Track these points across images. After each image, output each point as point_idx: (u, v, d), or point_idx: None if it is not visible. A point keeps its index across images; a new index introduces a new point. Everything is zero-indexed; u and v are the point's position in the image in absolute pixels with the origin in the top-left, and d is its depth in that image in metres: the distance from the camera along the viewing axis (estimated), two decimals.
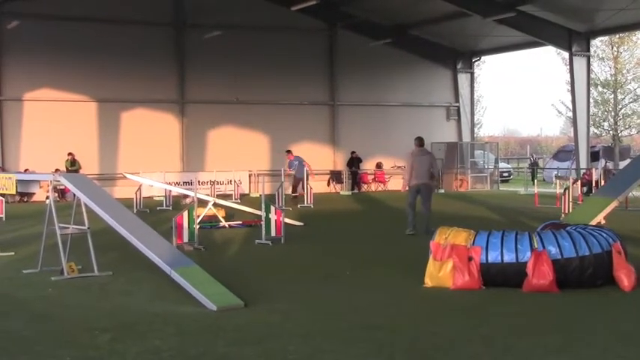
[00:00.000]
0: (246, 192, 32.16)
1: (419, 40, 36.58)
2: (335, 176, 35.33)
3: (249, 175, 33.59)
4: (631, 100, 44.47)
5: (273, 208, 15.58)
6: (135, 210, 22.55)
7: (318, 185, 30.52)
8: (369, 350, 7.11)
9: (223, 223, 18.38)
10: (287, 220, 16.72)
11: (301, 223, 19.05)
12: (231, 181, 31.30)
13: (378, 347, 7.19)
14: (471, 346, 7.27)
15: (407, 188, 17.11)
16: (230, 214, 19.82)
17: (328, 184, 34.90)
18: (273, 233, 15.36)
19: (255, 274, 11.73)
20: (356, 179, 35.52)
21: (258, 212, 16.82)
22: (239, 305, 9.08)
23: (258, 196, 20.05)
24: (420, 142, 17.54)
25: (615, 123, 43.98)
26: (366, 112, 36.49)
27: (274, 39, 34.14)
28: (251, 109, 34.08)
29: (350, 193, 33.96)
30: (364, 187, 35.75)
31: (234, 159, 32.90)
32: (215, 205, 18.50)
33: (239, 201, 25.97)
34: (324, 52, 35.84)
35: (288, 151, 29.00)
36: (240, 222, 18.96)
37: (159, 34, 32.71)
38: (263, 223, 15.35)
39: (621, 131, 44.59)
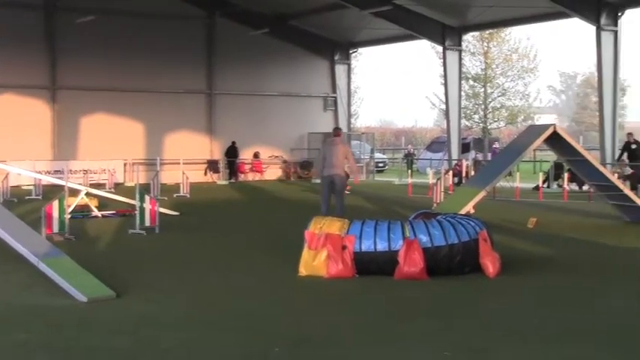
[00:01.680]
0: (121, 181, 31.54)
1: (298, 30, 36.72)
2: (212, 165, 35.09)
3: (124, 164, 32.93)
4: (499, 94, 46.01)
5: (147, 198, 15.37)
6: (1, 199, 21.84)
7: (194, 175, 30.24)
8: (243, 338, 7.13)
9: (96, 212, 17.99)
10: (162, 210, 16.51)
11: (176, 213, 18.86)
12: (105, 170, 30.64)
13: (252, 335, 7.23)
14: (345, 332, 7.39)
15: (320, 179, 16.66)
16: (103, 203, 19.41)
17: (205, 174, 34.63)
18: (147, 223, 15.15)
19: (129, 265, 11.53)
20: (233, 169, 35.40)
21: (132, 202, 16.54)
22: (111, 296, 8.92)
23: (134, 185, 19.71)
24: (335, 132, 16.97)
25: (485, 116, 45.41)
26: (244, 102, 36.36)
27: (151, 26, 33.53)
28: (126, 97, 33.37)
29: (227, 182, 33.82)
30: (241, 177, 35.68)
31: (109, 147, 32.20)
32: (88, 194, 18.07)
33: (113, 190, 25.45)
34: (202, 40, 35.47)
35: None
36: (114, 211, 18.60)
37: (28, 17, 31.55)
38: (137, 212, 15.12)
39: (490, 124, 46.06)
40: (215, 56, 35.50)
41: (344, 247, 10.21)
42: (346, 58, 39.40)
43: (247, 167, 36.27)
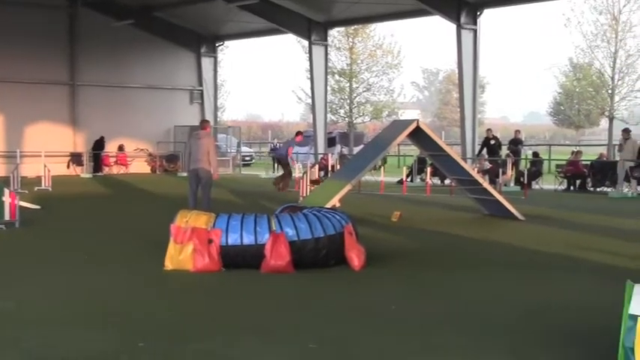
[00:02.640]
0: None
1: (163, 22, 36.21)
2: (75, 158, 34.15)
3: None
4: (365, 89, 46.78)
5: (6, 191, 14.84)
6: None
7: (57, 168, 29.34)
8: (108, 334, 6.99)
9: None
10: (22, 203, 15.97)
11: (38, 207, 18.29)
12: None
13: (116, 331, 7.10)
14: (211, 326, 7.36)
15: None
16: None
17: (68, 167, 33.68)
18: (7, 217, 14.63)
19: None
20: (98, 162, 34.57)
21: None
22: None
23: None
24: (202, 125, 16.70)
25: (350, 110, 46.05)
26: (109, 94, 35.59)
27: (9, 13, 32.22)
28: None
29: (91, 175, 32.99)
30: (106, 170, 34.90)
31: None
32: None
33: None
34: (64, 30, 34.44)
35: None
36: None
37: None
38: None
39: (356, 118, 46.77)
40: (78, 47, 34.55)
41: (210, 241, 10.18)
42: (212, 51, 39.17)
43: (112, 160, 35.51)
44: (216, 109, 40.84)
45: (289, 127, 78.68)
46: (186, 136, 36.94)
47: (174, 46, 37.68)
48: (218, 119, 41.99)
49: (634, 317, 5.16)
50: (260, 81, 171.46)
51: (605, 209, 19.46)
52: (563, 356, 6.38)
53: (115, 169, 35.28)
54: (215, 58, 39.66)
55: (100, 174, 33.78)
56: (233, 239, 10.22)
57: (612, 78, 39.30)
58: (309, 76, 37.27)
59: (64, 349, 6.54)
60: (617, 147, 27.82)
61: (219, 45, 40.20)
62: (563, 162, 28.70)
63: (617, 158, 26.10)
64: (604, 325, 7.07)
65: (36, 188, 24.28)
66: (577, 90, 51.92)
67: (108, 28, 34.53)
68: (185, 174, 34.41)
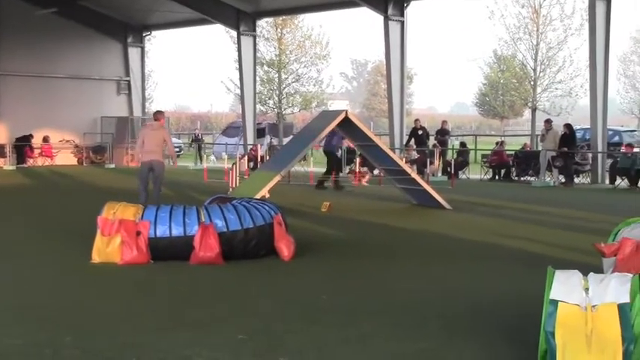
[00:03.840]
0: None
1: (89, 11, 35.58)
2: None
3: None
4: (293, 79, 46.82)
5: None
6: None
7: None
8: (32, 329, 6.89)
9: None
10: None
11: None
12: None
13: (41, 325, 7.00)
14: (139, 319, 7.31)
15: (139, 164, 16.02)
16: None
17: None
18: None
19: None
20: (22, 153, 33.85)
21: None
22: None
23: None
24: (155, 116, 16.27)
25: (280, 101, 46.06)
26: (33, 84, 34.89)
27: None
28: None
29: (15, 167, 32.30)
30: (30, 162, 34.20)
31: None
32: None
33: None
34: None
35: None
36: None
37: None
38: None
39: (285, 109, 46.80)
40: (1, 35, 33.71)
41: (138, 233, 10.09)
42: (140, 41, 38.71)
43: (36, 152, 34.83)
44: (144, 99, 40.40)
45: (218, 118, 78.22)
46: (113, 127, 36.57)
47: (101, 35, 37.10)
48: (146, 110, 41.52)
49: (554, 302, 5.32)
50: (189, 72, 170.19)
51: (528, 198, 19.92)
52: (487, 340, 6.54)
53: (40, 161, 34.61)
54: (142, 48, 39.20)
55: (24, 165, 33.11)
56: (161, 231, 10.14)
57: (534, 70, 40.16)
58: (237, 66, 37.14)
59: None
60: (539, 137, 28.46)
61: (147, 35, 39.73)
62: (489, 152, 29.24)
63: (540, 148, 26.71)
64: (526, 310, 7.26)
65: None
66: (501, 81, 52.88)
67: (31, 17, 33.78)
68: (112, 165, 34.32)
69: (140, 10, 35.83)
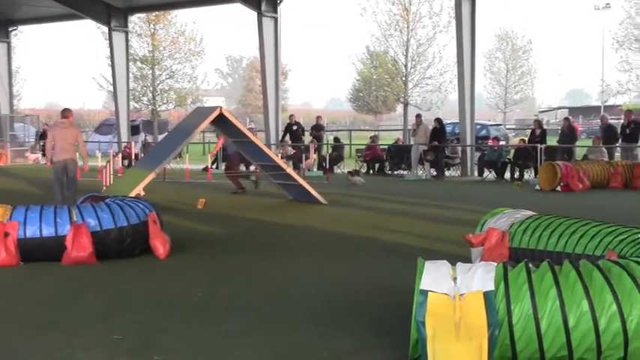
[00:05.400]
0: None
1: None
2: None
3: None
4: (168, 76, 46.18)
5: None
6: None
7: None
8: None
9: None
10: None
11: None
12: None
13: None
14: (7, 323, 7.13)
15: (50, 164, 15.42)
16: None
17: None
18: None
19: None
20: None
21: None
22: None
23: None
24: (64, 113, 15.64)
25: (154, 98, 45.32)
26: None
27: None
28: None
29: None
30: None
31: None
32: None
33: None
34: None
35: None
36: None
37: None
38: None
39: (160, 106, 46.11)
40: None
41: (6, 234, 9.80)
42: (5, 37, 37.45)
43: None
44: (11, 96, 39.07)
45: (91, 115, 76.47)
46: None
47: None
48: (14, 107, 40.19)
49: (424, 292, 5.49)
50: (59, 68, 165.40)
51: (401, 191, 20.39)
52: (360, 331, 6.69)
53: None
54: (9, 43, 37.91)
55: None
56: (32, 231, 9.90)
57: (405, 66, 41.05)
58: (110, 63, 36.39)
59: None
60: (411, 132, 29.16)
61: (13, 30, 38.44)
62: (363, 147, 29.73)
63: (412, 142, 27.36)
64: (399, 300, 7.47)
65: None
66: (374, 77, 53.78)
67: None
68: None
69: (5, 4, 34.59)
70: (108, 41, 35.79)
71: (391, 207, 16.73)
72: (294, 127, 29.76)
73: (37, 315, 7.45)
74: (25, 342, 6.50)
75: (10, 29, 37.71)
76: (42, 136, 36.37)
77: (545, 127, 28.81)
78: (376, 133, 38.23)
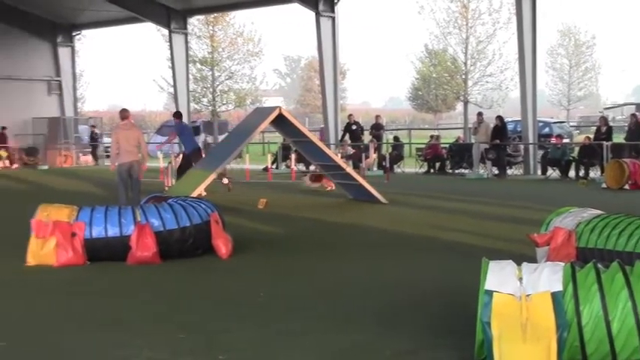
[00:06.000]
0: None
1: (16, 10, 34.89)
2: None
3: None
4: (227, 77, 46.55)
5: None
6: None
7: None
8: None
9: None
10: None
11: None
12: None
13: None
14: (73, 320, 7.23)
15: (114, 167, 15.51)
16: None
17: None
18: None
19: None
20: None
21: None
22: None
23: None
24: (122, 114, 15.61)
25: (214, 99, 45.75)
26: None
27: None
28: None
29: None
30: None
31: None
32: None
33: None
34: None
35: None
36: None
37: None
38: None
39: (219, 107, 46.52)
40: None
41: (73, 234, 9.96)
42: (69, 41, 38.11)
43: None
44: (75, 99, 39.76)
45: (152, 117, 77.46)
46: (45, 128, 35.94)
47: (29, 35, 36.41)
48: (78, 110, 40.90)
49: (489, 293, 5.41)
50: (121, 70, 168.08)
51: (462, 190, 20.20)
52: (421, 331, 6.63)
53: None
54: (72, 47, 38.59)
55: None
56: (97, 232, 10.04)
57: (465, 63, 40.67)
58: (170, 65, 36.80)
59: None
60: (471, 130, 28.87)
61: (77, 34, 39.13)
62: (423, 145, 29.54)
63: (473, 141, 27.10)
64: (462, 301, 7.37)
65: None
66: (433, 75, 53.36)
67: None
68: (46, 167, 33.68)
69: (69, 10, 35.25)
70: (168, 43, 36.20)
71: (452, 206, 16.58)
72: (354, 127, 29.71)
73: (103, 313, 7.54)
74: (91, 340, 6.59)
75: (73, 34, 38.39)
76: (92, 138, 36.99)
77: (611, 123, 28.22)
78: (437, 131, 37.97)
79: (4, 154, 34.34)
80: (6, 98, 35.20)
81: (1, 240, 12.31)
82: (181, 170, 18.87)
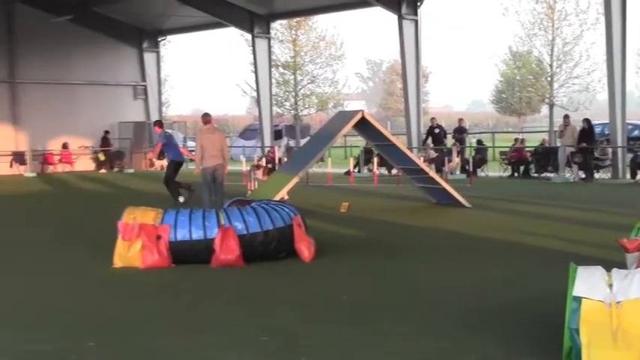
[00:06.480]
0: None
1: (103, 17, 35.79)
2: (17, 157, 33.61)
3: None
4: (309, 81, 46.84)
5: None
6: None
7: None
8: (57, 334, 6.92)
9: None
10: None
11: None
12: None
13: (66, 331, 7.02)
14: (161, 323, 7.33)
15: (199, 171, 15.77)
16: None
17: (11, 166, 33.16)
18: None
19: None
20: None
21: None
22: None
23: None
24: (204, 118, 15.91)
25: (296, 103, 46.08)
26: (51, 91, 35.06)
27: None
28: None
29: (35, 174, 32.49)
30: (50, 169, 34.42)
31: None
32: None
33: None
34: (2, 27, 33.81)
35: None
36: None
37: None
38: None
39: (301, 110, 46.83)
40: (16, 44, 33.98)
41: (159, 237, 10.12)
42: (155, 46, 38.86)
43: (56, 158, 35.05)
44: (160, 104, 40.55)
45: (235, 121, 78.34)
46: (130, 132, 36.72)
47: (115, 41, 37.27)
48: (163, 114, 41.68)
49: (578, 299, 5.29)
50: (205, 75, 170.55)
51: (548, 194, 19.82)
52: (509, 337, 6.51)
53: (60, 167, 34.83)
54: (158, 53, 39.34)
55: (42, 173, 33.27)
56: (182, 234, 10.17)
57: (550, 66, 39.98)
58: (253, 69, 37.19)
59: (13, 351, 6.46)
60: (557, 133, 28.32)
61: (162, 40, 39.89)
62: (507, 149, 29.12)
63: (559, 144, 26.57)
64: (549, 307, 7.21)
65: None
66: (517, 78, 52.65)
67: (47, 24, 33.99)
68: (131, 170, 34.41)
69: (154, 16, 35.95)
70: (251, 48, 36.59)
71: (537, 210, 16.27)
72: (436, 130, 29.51)
73: (187, 315, 7.64)
74: (176, 341, 6.67)
75: (159, 39, 39.14)
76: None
77: None
78: (522, 135, 37.39)
79: (102, 157, 35.26)
80: (93, 103, 36.11)
81: (90, 242, 12.60)
82: (167, 181, 18.76)
